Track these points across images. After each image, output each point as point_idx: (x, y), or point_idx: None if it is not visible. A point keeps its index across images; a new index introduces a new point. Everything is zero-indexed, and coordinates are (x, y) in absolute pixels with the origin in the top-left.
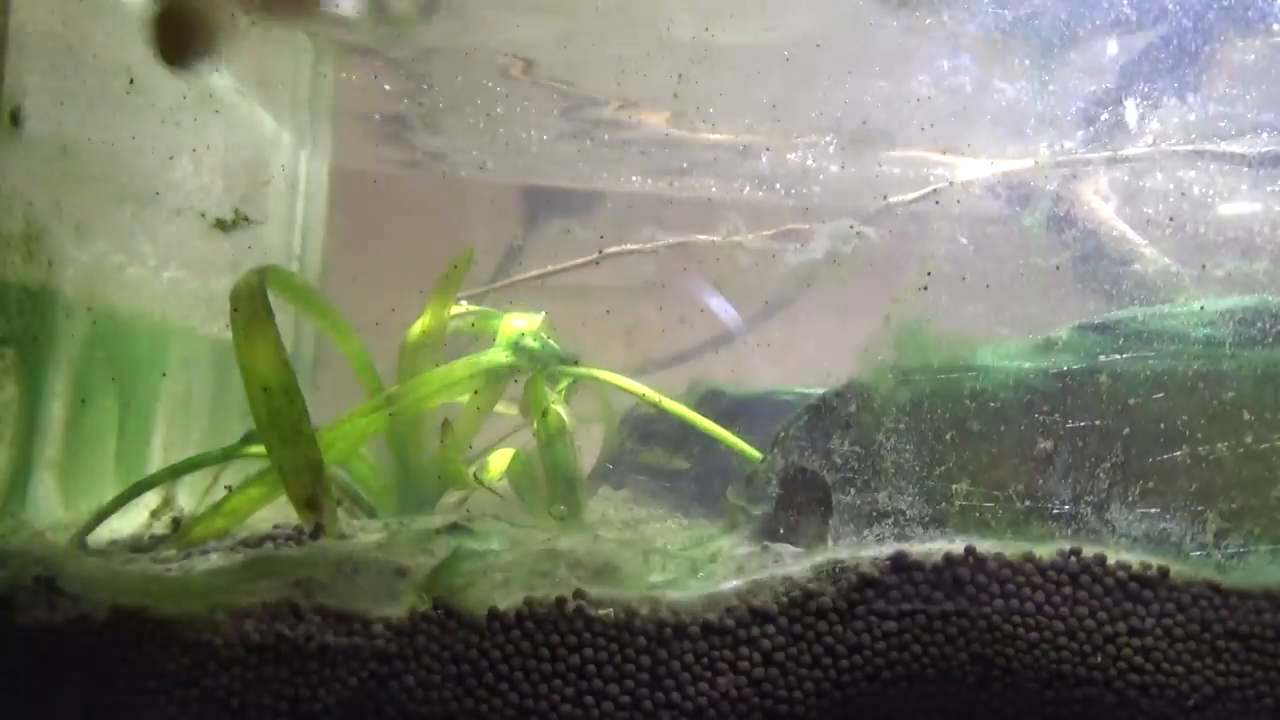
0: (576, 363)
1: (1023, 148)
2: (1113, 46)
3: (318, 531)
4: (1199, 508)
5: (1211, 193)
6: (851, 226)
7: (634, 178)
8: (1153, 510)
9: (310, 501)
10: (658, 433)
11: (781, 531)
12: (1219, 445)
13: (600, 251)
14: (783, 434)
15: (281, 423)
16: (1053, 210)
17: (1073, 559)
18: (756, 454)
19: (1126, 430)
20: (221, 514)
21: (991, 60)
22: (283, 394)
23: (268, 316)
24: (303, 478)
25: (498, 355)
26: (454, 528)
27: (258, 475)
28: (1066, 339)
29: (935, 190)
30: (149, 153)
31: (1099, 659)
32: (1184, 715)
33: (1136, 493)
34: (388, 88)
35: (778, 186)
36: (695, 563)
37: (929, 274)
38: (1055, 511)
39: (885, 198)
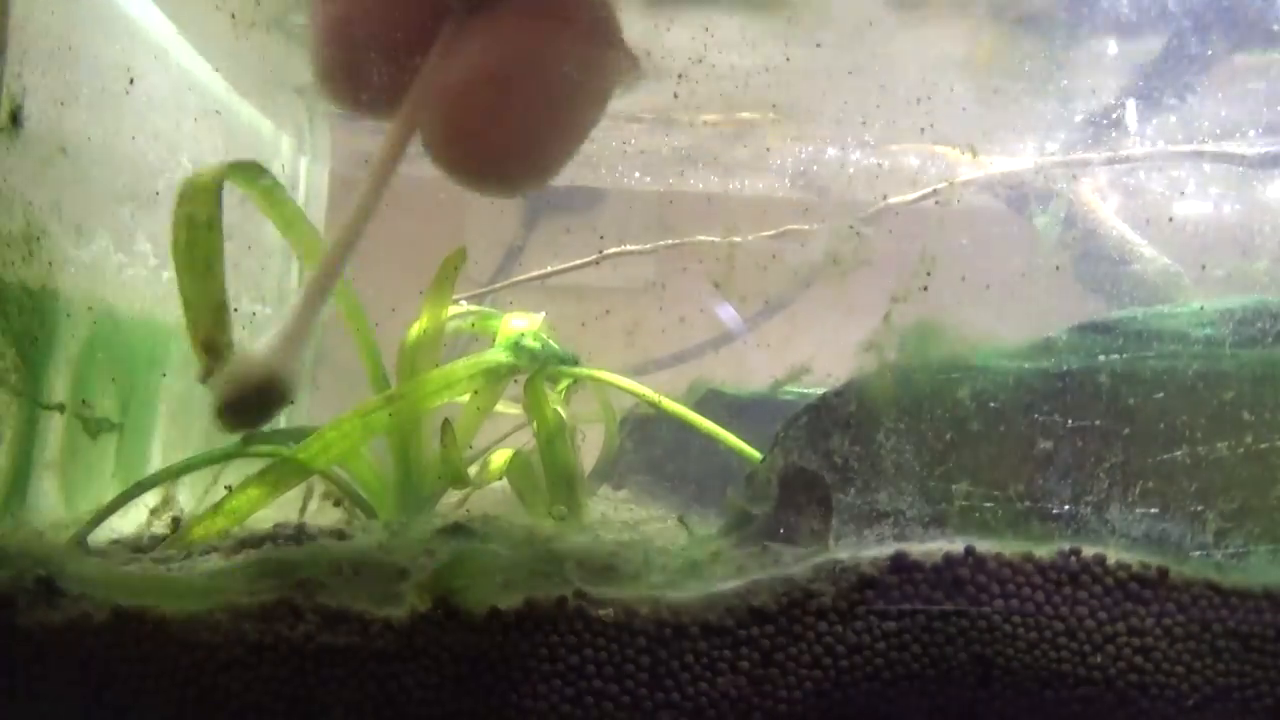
0: (576, 363)
1: (1022, 147)
2: (1113, 47)
3: (208, 375)
4: (1199, 508)
5: (1211, 192)
6: (851, 226)
7: (634, 177)
8: (1153, 510)
9: (208, 344)
10: (657, 434)
11: (781, 531)
12: (1219, 445)
13: (600, 251)
14: (783, 434)
15: (197, 254)
16: (1053, 210)
17: (1072, 559)
18: (756, 454)
19: (1126, 430)
20: (221, 514)
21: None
22: (205, 226)
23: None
24: (204, 318)
25: (498, 355)
26: (454, 528)
27: (258, 475)
28: (1066, 339)
29: (935, 190)
30: (149, 153)
31: (1099, 659)
32: (1184, 715)
33: (1136, 493)
34: None
35: (780, 186)
36: (695, 563)
37: (929, 274)
38: (1055, 511)
39: (885, 197)
